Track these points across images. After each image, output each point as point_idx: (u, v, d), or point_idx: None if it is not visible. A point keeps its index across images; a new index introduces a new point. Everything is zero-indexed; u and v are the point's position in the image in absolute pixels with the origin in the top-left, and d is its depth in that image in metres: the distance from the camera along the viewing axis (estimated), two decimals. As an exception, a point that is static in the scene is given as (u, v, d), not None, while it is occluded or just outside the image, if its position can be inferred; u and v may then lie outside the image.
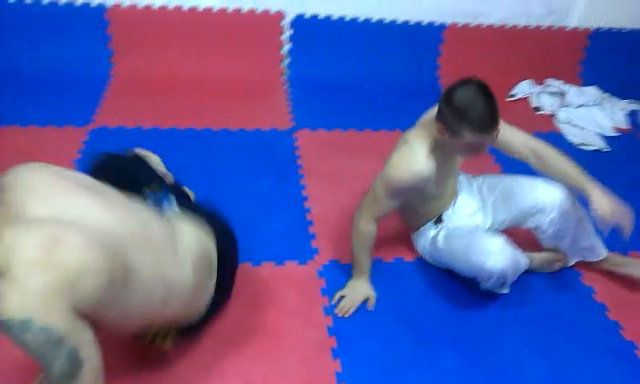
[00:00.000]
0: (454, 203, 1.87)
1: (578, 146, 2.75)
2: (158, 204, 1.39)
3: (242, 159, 2.41)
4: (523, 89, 3.17)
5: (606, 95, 3.14)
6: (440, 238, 1.79)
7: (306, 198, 2.19)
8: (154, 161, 1.78)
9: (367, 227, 1.68)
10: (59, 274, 0.94)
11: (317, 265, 1.89)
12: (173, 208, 1.41)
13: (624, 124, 2.97)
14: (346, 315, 1.68)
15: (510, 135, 1.72)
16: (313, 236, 2.01)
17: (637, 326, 1.74)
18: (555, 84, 3.14)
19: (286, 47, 3.07)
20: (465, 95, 1.46)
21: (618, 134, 2.88)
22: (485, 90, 1.47)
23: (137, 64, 2.88)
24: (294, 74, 3.09)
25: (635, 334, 1.71)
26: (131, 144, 2.45)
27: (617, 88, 3.21)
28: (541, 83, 3.20)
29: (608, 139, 2.82)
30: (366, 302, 1.73)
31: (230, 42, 2.98)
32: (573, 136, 2.81)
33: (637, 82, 3.27)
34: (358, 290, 1.73)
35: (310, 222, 2.07)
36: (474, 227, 1.81)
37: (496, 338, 1.68)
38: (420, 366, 1.58)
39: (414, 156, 1.57)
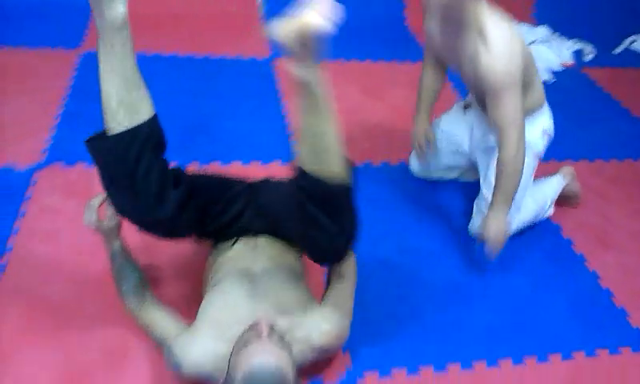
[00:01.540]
0: None
1: (527, 77, 3.07)
2: None
3: (226, 83, 2.62)
4: (481, 28, 3.46)
5: (555, 35, 3.46)
6: None
7: (285, 114, 2.44)
8: None
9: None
10: None
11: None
12: None
13: (569, 60, 3.31)
14: None
15: (491, 105, 1.59)
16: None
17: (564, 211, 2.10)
18: (510, 23, 3.44)
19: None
20: None
21: (563, 69, 3.22)
22: None
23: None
24: (269, 7, 3.27)
25: (563, 219, 2.07)
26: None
27: (566, 28, 3.54)
28: (497, 23, 3.50)
29: (555, 73, 3.16)
30: None
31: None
32: (523, 69, 3.13)
33: (583, 23, 3.61)
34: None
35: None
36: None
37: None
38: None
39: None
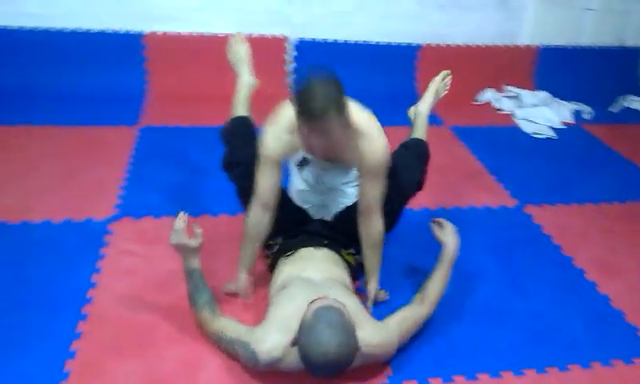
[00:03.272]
0: None
1: (532, 135, 3.39)
2: None
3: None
4: (487, 95, 3.84)
5: (556, 99, 3.82)
6: None
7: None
8: None
9: None
10: None
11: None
12: None
13: (569, 119, 3.64)
14: None
15: (370, 186, 1.71)
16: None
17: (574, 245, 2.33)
18: (512, 90, 3.82)
19: (291, 66, 3.71)
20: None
21: (564, 127, 3.54)
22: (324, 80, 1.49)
23: (168, 80, 3.48)
24: (297, 65, 3.69)
25: (573, 251, 2.30)
26: (175, 138, 3.03)
27: (563, 93, 3.90)
28: (501, 90, 3.88)
29: (556, 130, 3.48)
30: None
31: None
32: (528, 128, 3.46)
33: (579, 87, 3.98)
34: None
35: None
36: None
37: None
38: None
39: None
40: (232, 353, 1.60)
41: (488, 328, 1.86)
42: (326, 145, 1.58)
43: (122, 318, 1.76)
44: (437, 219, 1.89)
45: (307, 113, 1.46)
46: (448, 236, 1.82)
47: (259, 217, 1.76)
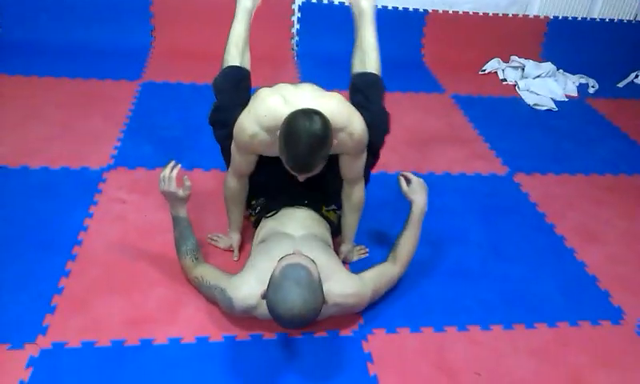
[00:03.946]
0: None
1: (533, 106, 3.37)
2: None
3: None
4: (492, 65, 3.80)
5: (560, 70, 3.77)
6: None
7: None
8: None
9: None
10: None
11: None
12: None
13: (573, 92, 3.60)
14: None
15: (351, 162, 1.74)
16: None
17: (558, 213, 2.36)
18: (518, 60, 3.77)
19: (295, 27, 3.71)
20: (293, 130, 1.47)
21: (567, 100, 3.51)
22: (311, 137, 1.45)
23: (174, 36, 3.51)
24: (301, 49, 3.71)
25: (557, 219, 2.33)
26: (175, 94, 3.08)
27: (571, 66, 3.85)
28: (507, 61, 3.84)
29: (558, 103, 3.44)
30: None
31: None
32: (529, 99, 3.43)
33: (588, 61, 3.92)
34: None
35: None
36: None
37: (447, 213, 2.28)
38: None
39: None
40: (211, 298, 1.69)
41: (462, 287, 1.92)
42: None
43: (109, 259, 1.86)
44: (404, 174, 1.87)
45: (293, 165, 1.50)
46: (416, 193, 1.83)
47: (236, 183, 1.82)
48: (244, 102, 1.73)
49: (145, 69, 3.24)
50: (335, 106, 1.63)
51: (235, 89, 1.86)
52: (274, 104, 1.60)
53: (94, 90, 2.94)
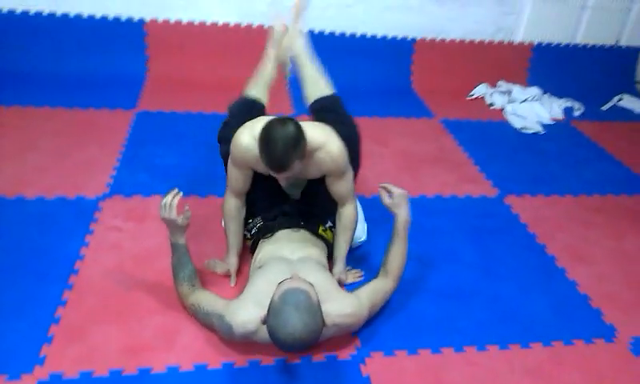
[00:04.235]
0: None
1: (521, 130, 3.45)
2: None
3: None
4: (480, 90, 3.90)
5: (547, 94, 3.87)
6: None
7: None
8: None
9: None
10: None
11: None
12: None
13: (559, 115, 3.69)
14: None
15: (338, 184, 1.83)
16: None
17: (549, 234, 2.40)
18: (505, 85, 3.87)
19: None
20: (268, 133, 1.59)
21: (553, 122, 3.59)
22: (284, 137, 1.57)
23: (168, 67, 3.58)
24: (293, 77, 3.78)
25: (548, 240, 2.36)
26: (170, 123, 3.12)
27: (557, 90, 3.96)
28: (494, 86, 3.94)
29: (545, 126, 3.53)
30: None
31: (242, 49, 3.66)
32: (517, 123, 3.51)
33: (573, 85, 4.03)
34: None
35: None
36: None
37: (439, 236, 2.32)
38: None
39: None
40: (209, 325, 1.70)
41: (456, 307, 1.94)
42: (288, 178, 1.75)
43: (105, 288, 1.86)
44: (384, 185, 1.86)
45: (270, 164, 1.61)
46: (399, 206, 1.83)
47: (234, 201, 1.91)
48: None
49: (140, 98, 3.29)
50: (312, 126, 1.77)
51: (247, 113, 1.98)
52: (267, 120, 1.69)
53: (90, 120, 2.98)
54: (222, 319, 1.61)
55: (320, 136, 1.75)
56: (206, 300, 1.69)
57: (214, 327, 1.67)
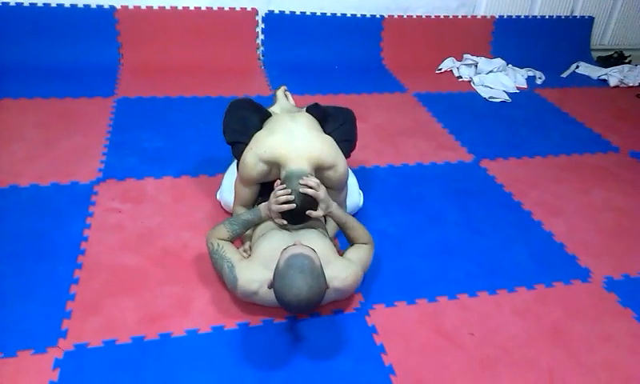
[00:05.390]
0: None
1: (488, 99, 3.64)
2: None
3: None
4: (447, 64, 4.07)
5: (510, 65, 4.08)
6: None
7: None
8: None
9: None
10: None
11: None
12: None
13: (523, 84, 3.90)
14: None
15: (332, 196, 1.91)
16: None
17: (523, 192, 2.58)
18: (471, 58, 4.05)
19: (260, 38, 3.84)
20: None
21: (518, 91, 3.80)
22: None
23: (141, 53, 3.57)
24: (267, 58, 3.85)
25: (523, 197, 2.55)
26: (151, 108, 3.13)
27: (518, 60, 4.17)
28: (461, 59, 4.11)
29: (511, 95, 3.73)
30: None
31: (215, 32, 3.71)
32: (484, 93, 3.70)
33: (533, 55, 4.26)
34: None
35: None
36: None
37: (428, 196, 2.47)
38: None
39: None
40: (218, 269, 1.80)
41: (447, 261, 2.10)
42: None
43: (114, 265, 1.92)
44: (305, 182, 1.81)
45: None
46: (327, 204, 1.85)
47: (242, 210, 2.02)
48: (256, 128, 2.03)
49: (117, 85, 3.29)
50: (327, 149, 1.93)
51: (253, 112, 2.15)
52: (270, 142, 1.89)
53: (70, 109, 2.97)
54: (232, 269, 1.72)
55: (332, 157, 1.91)
56: (228, 248, 1.79)
57: (222, 272, 1.76)
